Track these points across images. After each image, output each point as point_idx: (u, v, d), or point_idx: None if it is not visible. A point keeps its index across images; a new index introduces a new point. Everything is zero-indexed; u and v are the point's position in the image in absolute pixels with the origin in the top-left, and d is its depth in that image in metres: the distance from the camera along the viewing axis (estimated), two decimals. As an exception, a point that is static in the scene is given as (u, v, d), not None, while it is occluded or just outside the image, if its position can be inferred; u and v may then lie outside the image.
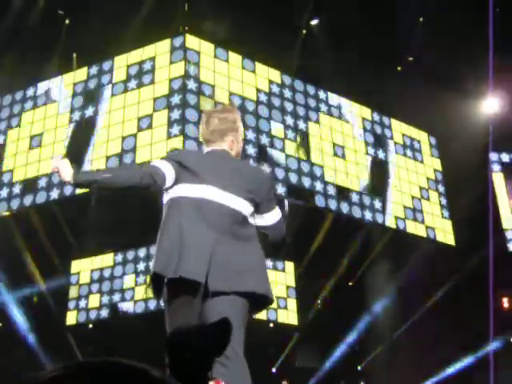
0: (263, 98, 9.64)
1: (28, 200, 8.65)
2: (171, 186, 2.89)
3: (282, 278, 10.28)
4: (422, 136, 11.48)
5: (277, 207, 3.08)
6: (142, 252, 9.84)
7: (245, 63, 9.58)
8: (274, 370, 12.43)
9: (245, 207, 2.88)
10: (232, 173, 2.91)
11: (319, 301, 11.30)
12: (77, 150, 8.98)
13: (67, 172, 2.76)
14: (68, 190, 8.54)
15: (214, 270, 2.69)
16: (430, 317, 10.72)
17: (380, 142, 10.67)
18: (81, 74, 9.64)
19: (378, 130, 10.78)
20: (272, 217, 3.04)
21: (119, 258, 10.02)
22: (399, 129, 11.14)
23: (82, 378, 0.86)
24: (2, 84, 9.47)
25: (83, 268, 10.29)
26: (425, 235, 10.58)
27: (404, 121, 11.06)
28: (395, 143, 10.95)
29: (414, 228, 10.51)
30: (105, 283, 10.00)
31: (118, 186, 2.84)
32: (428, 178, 11.19)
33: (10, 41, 9.50)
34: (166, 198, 2.94)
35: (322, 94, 10.24)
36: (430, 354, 10.49)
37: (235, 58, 9.52)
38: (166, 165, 2.86)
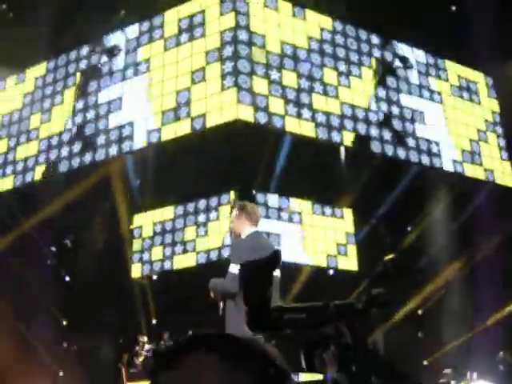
0: (315, 45, 9.57)
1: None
2: None
3: (340, 225, 10.30)
4: (478, 77, 11.22)
5: None
6: (202, 204, 9.98)
7: (295, 11, 9.52)
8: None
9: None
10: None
11: (380, 246, 11.26)
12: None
13: None
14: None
15: None
16: (491, 260, 10.58)
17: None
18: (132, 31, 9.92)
19: (433, 72, 10.60)
20: None
21: (180, 210, 10.20)
22: (455, 70, 10.91)
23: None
24: None
25: (145, 222, 10.53)
26: (484, 178, 10.44)
27: (460, 62, 10.85)
28: (451, 85, 10.74)
29: (473, 171, 10.37)
30: (166, 236, 10.23)
31: None
32: (486, 120, 10.97)
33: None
34: None
35: (374, 39, 10.15)
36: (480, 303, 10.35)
37: (285, 5, 9.44)
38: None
